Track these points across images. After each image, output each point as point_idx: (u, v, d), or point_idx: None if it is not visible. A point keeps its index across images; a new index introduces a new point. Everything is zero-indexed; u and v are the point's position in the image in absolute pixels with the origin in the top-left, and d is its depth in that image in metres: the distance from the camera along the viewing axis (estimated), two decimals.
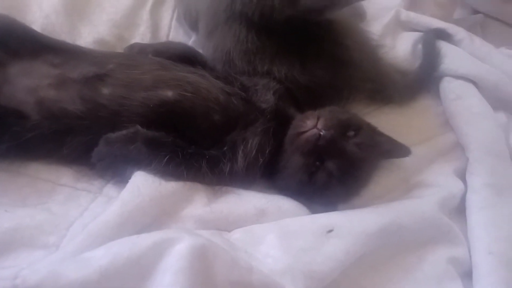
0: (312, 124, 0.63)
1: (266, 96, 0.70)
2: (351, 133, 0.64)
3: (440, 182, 0.74)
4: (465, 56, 0.90)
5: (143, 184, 0.58)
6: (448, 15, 0.99)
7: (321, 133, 0.61)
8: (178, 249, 0.49)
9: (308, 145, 0.62)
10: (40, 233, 0.56)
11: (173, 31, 0.86)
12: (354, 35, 0.79)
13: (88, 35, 0.79)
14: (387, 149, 0.70)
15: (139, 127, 0.61)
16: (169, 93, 0.65)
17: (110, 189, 0.64)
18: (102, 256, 0.48)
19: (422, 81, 0.89)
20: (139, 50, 0.77)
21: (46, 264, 0.49)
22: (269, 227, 0.61)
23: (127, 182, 0.61)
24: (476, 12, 1.10)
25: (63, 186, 0.63)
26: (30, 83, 0.64)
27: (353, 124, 0.65)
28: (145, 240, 0.50)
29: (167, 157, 0.60)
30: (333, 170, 0.62)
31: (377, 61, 0.83)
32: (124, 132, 0.61)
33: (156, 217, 0.58)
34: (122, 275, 0.47)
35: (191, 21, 0.84)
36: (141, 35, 0.83)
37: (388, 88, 0.84)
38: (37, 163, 0.64)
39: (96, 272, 0.46)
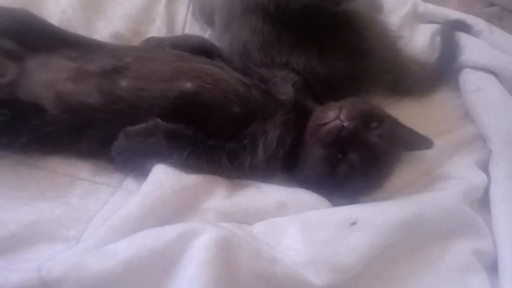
0: (334, 115, 0.62)
1: (285, 88, 0.69)
2: (374, 124, 0.63)
3: (462, 174, 0.73)
4: (485, 47, 0.89)
5: (164, 177, 0.57)
6: (469, 9, 0.97)
7: (344, 124, 0.60)
8: (202, 240, 0.49)
9: (330, 136, 0.61)
10: (60, 226, 0.56)
11: (189, 25, 0.86)
12: (373, 26, 0.78)
13: (104, 29, 0.79)
14: (409, 141, 0.69)
15: (158, 119, 0.61)
16: (189, 85, 0.64)
17: (129, 182, 0.63)
18: (126, 248, 0.47)
19: (441, 73, 0.88)
20: (156, 44, 0.77)
21: (69, 256, 0.48)
22: (290, 220, 0.60)
23: (147, 175, 0.60)
24: (492, 5, 1.08)
25: (82, 180, 0.62)
26: (48, 77, 0.63)
27: (375, 115, 0.64)
28: (169, 232, 0.49)
29: (187, 150, 0.59)
30: (355, 162, 0.61)
31: (396, 53, 0.82)
32: (143, 125, 0.60)
33: (177, 210, 0.57)
34: (146, 267, 0.47)
35: (206, 16, 0.84)
36: (156, 30, 0.82)
37: (407, 79, 0.83)
38: (56, 157, 0.63)
39: (120, 264, 0.46)
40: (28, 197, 0.59)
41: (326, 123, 0.62)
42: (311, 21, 0.71)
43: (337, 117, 0.61)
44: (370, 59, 0.75)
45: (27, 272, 0.45)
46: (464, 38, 0.89)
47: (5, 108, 0.59)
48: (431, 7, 0.96)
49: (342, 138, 0.61)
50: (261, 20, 0.71)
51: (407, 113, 0.81)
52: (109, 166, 0.64)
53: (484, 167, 0.76)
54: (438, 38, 0.91)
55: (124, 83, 0.63)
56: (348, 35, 0.74)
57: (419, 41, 0.92)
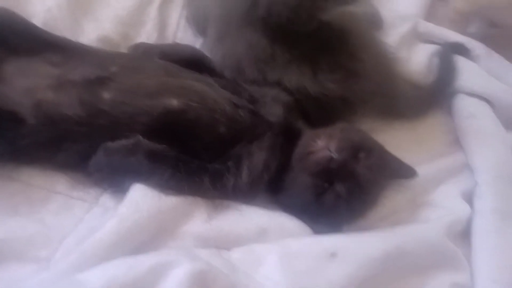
0: (323, 145, 0.60)
1: (274, 109, 0.67)
2: (362, 154, 0.62)
3: (447, 205, 0.72)
4: (481, 73, 0.87)
5: (142, 199, 0.56)
6: (460, 30, 0.96)
7: (333, 156, 0.59)
8: (176, 274, 0.48)
9: (318, 166, 0.60)
10: (31, 246, 0.54)
11: (181, 30, 0.83)
12: (369, 47, 0.76)
13: (92, 32, 0.76)
14: (394, 169, 0.68)
15: (140, 137, 0.59)
16: (174, 102, 0.62)
17: (106, 199, 0.61)
18: (97, 280, 0.46)
19: (435, 96, 0.86)
20: (144, 51, 0.74)
21: (39, 283, 0.46)
22: (270, 247, 0.59)
23: (124, 192, 0.58)
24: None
25: (57, 194, 0.60)
26: (27, 83, 0.61)
27: (365, 145, 0.63)
28: (142, 263, 0.48)
29: (168, 171, 0.57)
30: (341, 192, 0.60)
31: (391, 76, 0.80)
32: (124, 142, 0.58)
33: (153, 234, 0.56)
34: None
35: (199, 25, 0.81)
36: (147, 34, 0.79)
37: (400, 102, 0.81)
38: (31, 168, 0.61)
39: None
40: (1, 211, 0.57)
41: (314, 152, 0.61)
42: (308, 39, 0.69)
43: (326, 147, 0.60)
44: (364, 82, 0.73)
45: None
46: (461, 62, 0.88)
47: None
48: (431, 27, 0.94)
49: (330, 169, 0.60)
50: (258, 35, 0.69)
51: (398, 136, 0.81)
52: (86, 180, 0.61)
53: (470, 197, 0.75)
54: (436, 60, 0.90)
55: (107, 95, 0.61)
56: (343, 55, 0.72)
57: (416, 61, 0.90)
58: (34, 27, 0.68)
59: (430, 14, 1.01)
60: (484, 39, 1.00)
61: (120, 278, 0.46)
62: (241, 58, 0.70)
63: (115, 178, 0.59)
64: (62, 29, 0.73)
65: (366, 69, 0.73)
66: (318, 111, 0.72)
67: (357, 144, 0.62)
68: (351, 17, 0.83)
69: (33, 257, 0.53)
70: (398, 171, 0.69)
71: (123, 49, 0.76)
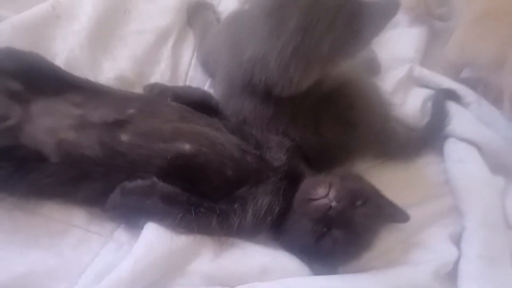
0: (323, 193, 0.65)
1: (278, 154, 0.72)
2: (359, 202, 0.67)
3: (436, 247, 0.77)
4: (472, 119, 0.93)
5: (155, 240, 0.60)
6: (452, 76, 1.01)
7: (332, 205, 0.64)
8: None
9: (318, 213, 0.64)
10: (51, 279, 0.58)
11: (192, 70, 0.88)
12: (367, 97, 0.81)
13: (110, 70, 0.80)
14: (388, 214, 0.73)
15: (155, 179, 0.63)
16: (187, 147, 0.67)
17: (121, 233, 0.66)
18: None
19: (428, 139, 0.92)
20: (159, 92, 0.79)
21: None
22: (271, 286, 0.64)
23: (138, 228, 0.63)
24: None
25: (75, 228, 0.65)
26: (51, 123, 0.65)
27: (362, 194, 0.68)
28: None
29: (180, 214, 0.62)
30: (338, 237, 0.65)
31: (387, 122, 0.85)
32: (140, 183, 0.63)
33: (165, 272, 0.60)
34: None
35: (208, 68, 0.85)
36: (161, 72, 0.84)
37: (395, 146, 0.86)
38: (52, 202, 0.65)
39: None
40: (22, 243, 0.61)
41: (315, 199, 0.65)
42: (310, 95, 0.73)
43: (326, 196, 0.65)
44: (361, 131, 0.78)
45: None
46: (454, 108, 0.93)
47: (7, 160, 0.60)
48: (426, 73, 0.99)
49: (329, 216, 0.64)
50: (261, 99, 0.73)
51: (391, 177, 0.86)
52: (103, 215, 0.66)
53: (458, 240, 0.79)
54: (429, 104, 0.95)
55: (125, 138, 0.65)
56: (342, 106, 0.76)
57: (411, 105, 0.95)
58: (59, 69, 0.73)
59: (426, 58, 1.08)
60: (477, 83, 1.06)
61: None
62: (246, 116, 0.74)
63: (130, 216, 0.64)
64: (82, 67, 0.77)
65: (363, 119, 0.78)
66: (318, 157, 0.76)
67: (355, 193, 0.67)
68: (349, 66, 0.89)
69: None
70: (393, 216, 0.73)
71: (139, 87, 0.81)
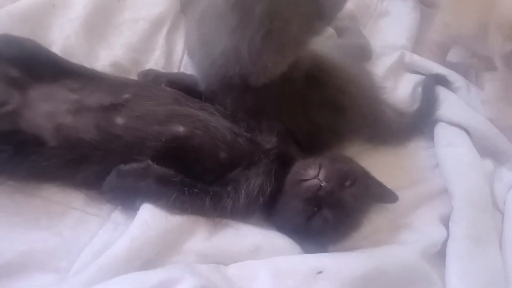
0: (314, 174, 0.67)
1: (269, 137, 0.74)
2: (348, 182, 0.69)
3: (424, 228, 0.79)
4: (461, 104, 0.95)
5: (151, 219, 0.63)
6: (440, 60, 1.04)
7: (322, 184, 0.66)
8: None
9: (309, 193, 0.67)
10: (52, 257, 0.61)
11: (186, 57, 0.89)
12: (357, 80, 0.83)
13: (105, 58, 0.82)
14: (377, 194, 0.75)
15: (150, 162, 0.65)
16: (181, 129, 0.69)
17: (117, 215, 0.68)
18: None
19: (418, 124, 0.94)
20: (153, 78, 0.81)
21: None
22: (263, 264, 0.66)
23: (134, 209, 0.65)
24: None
25: (74, 210, 0.67)
26: (49, 108, 0.67)
27: (351, 174, 0.70)
28: (152, 278, 0.55)
29: (174, 195, 0.64)
30: (328, 217, 0.67)
31: (377, 106, 0.87)
32: (135, 165, 0.65)
33: (160, 251, 0.63)
34: None
35: (193, 60, 0.86)
36: (155, 60, 0.85)
37: (385, 131, 0.89)
38: (51, 185, 0.67)
39: None
40: (23, 224, 0.63)
41: (305, 180, 0.68)
42: (290, 79, 0.73)
43: (316, 176, 0.67)
44: (351, 114, 0.79)
45: None
46: (443, 93, 0.95)
47: (7, 143, 0.62)
48: (417, 58, 1.01)
49: (319, 196, 0.66)
50: (239, 90, 0.73)
51: (382, 160, 0.89)
52: (100, 197, 0.68)
53: (446, 220, 0.82)
54: (420, 90, 0.97)
55: (120, 121, 0.68)
56: (332, 90, 0.78)
57: (402, 91, 0.97)
58: (56, 56, 0.75)
59: (417, 44, 1.09)
60: (468, 69, 1.09)
61: None
62: (233, 109, 0.75)
63: (126, 198, 0.66)
64: (78, 55, 0.79)
65: (353, 103, 0.79)
66: (308, 140, 0.78)
67: (344, 174, 0.69)
68: (339, 49, 0.90)
69: (54, 267, 0.60)
70: (381, 196, 0.75)
71: (134, 75, 0.83)
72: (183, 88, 0.78)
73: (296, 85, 0.75)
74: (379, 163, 0.86)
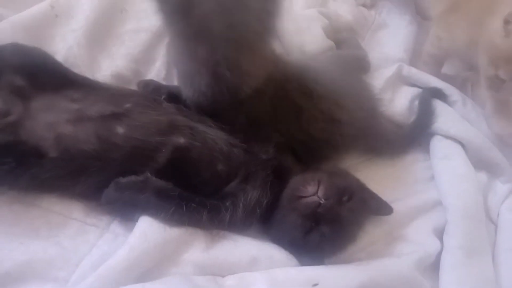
0: (313, 191, 0.68)
1: (266, 148, 0.75)
2: (346, 198, 0.70)
3: (419, 239, 0.80)
4: (457, 117, 0.96)
5: (149, 230, 0.63)
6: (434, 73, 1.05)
7: (321, 202, 0.67)
8: None
9: (308, 210, 0.67)
10: (51, 267, 0.62)
11: None
12: (355, 94, 0.84)
13: (107, 68, 0.83)
14: (371, 206, 0.76)
15: (149, 175, 0.66)
16: (181, 140, 0.70)
17: (117, 226, 0.69)
18: None
19: (414, 136, 0.95)
20: (153, 89, 0.82)
21: None
22: (260, 276, 0.66)
23: (133, 220, 0.66)
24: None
25: (73, 220, 0.68)
26: (50, 118, 0.68)
27: (348, 189, 0.71)
28: None
29: (172, 209, 0.65)
30: (326, 232, 0.68)
31: (375, 119, 0.88)
32: (134, 178, 0.65)
33: (158, 261, 0.63)
34: None
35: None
36: (156, 71, 0.87)
37: (382, 143, 0.90)
38: (51, 196, 0.68)
39: None
40: (23, 234, 0.64)
41: (304, 197, 0.68)
42: (287, 92, 0.75)
43: (315, 193, 0.68)
44: (347, 128, 0.80)
45: None
46: (440, 106, 0.96)
47: (9, 156, 0.63)
48: (414, 71, 1.02)
49: (318, 213, 0.67)
50: (233, 108, 0.74)
51: (378, 172, 0.90)
52: (99, 208, 0.69)
53: (441, 232, 0.83)
54: (417, 102, 0.98)
55: (121, 130, 0.68)
56: (327, 103, 0.79)
57: (399, 103, 0.98)
58: (61, 66, 0.76)
59: (415, 57, 1.11)
60: (464, 82, 1.10)
61: None
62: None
63: (125, 210, 0.67)
64: (80, 65, 0.80)
65: (350, 116, 0.80)
66: (305, 152, 0.79)
67: (342, 189, 0.70)
68: (337, 61, 0.92)
69: (53, 277, 0.61)
70: (377, 209, 0.77)
71: (135, 85, 0.84)
72: (183, 101, 0.78)
73: (289, 97, 0.76)
74: (375, 175, 0.87)
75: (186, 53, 0.71)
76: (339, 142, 0.81)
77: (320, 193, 0.68)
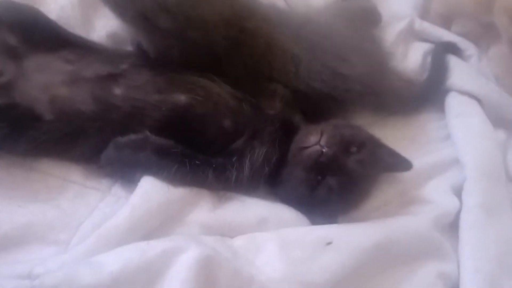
0: (315, 140, 0.64)
1: (274, 102, 0.71)
2: (354, 149, 0.66)
3: (436, 198, 0.76)
4: (472, 72, 0.91)
5: (152, 189, 0.60)
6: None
7: (323, 150, 0.63)
8: (185, 258, 0.53)
9: (310, 161, 0.64)
10: (51, 229, 0.59)
11: None
12: (360, 48, 0.79)
13: (102, 28, 0.79)
14: (388, 163, 0.72)
15: (148, 133, 0.63)
16: (182, 97, 0.66)
17: (118, 188, 0.66)
18: (114, 262, 0.51)
19: (428, 94, 0.90)
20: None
21: (60, 264, 0.52)
22: (269, 236, 0.64)
23: (135, 182, 0.63)
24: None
25: (73, 183, 0.65)
26: (44, 79, 0.65)
27: (356, 140, 0.67)
28: (154, 247, 0.53)
29: (175, 167, 0.61)
30: (333, 185, 0.64)
31: (383, 75, 0.83)
32: (133, 137, 0.62)
33: (163, 221, 0.61)
34: (132, 281, 0.51)
35: None
36: None
37: (393, 101, 0.85)
38: (49, 159, 0.66)
39: (108, 278, 0.50)
40: (21, 197, 0.62)
41: (306, 147, 0.65)
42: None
43: (317, 142, 0.64)
44: (351, 83, 0.76)
45: (20, 282, 0.48)
46: (454, 61, 0.91)
47: (3, 120, 0.60)
48: (426, 25, 0.97)
49: (321, 163, 0.64)
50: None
51: (391, 132, 0.85)
52: (99, 171, 0.66)
53: (459, 191, 0.79)
54: (429, 58, 0.93)
55: (118, 91, 0.65)
56: (330, 57, 0.74)
57: (411, 59, 0.93)
58: (55, 24, 0.72)
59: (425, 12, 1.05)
60: (478, 39, 1.04)
61: (134, 260, 0.51)
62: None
63: (125, 171, 0.64)
64: (74, 26, 0.76)
65: (354, 72, 0.75)
66: (311, 108, 0.75)
67: (348, 139, 0.66)
68: (343, 13, 0.87)
69: (54, 240, 0.59)
70: (393, 165, 0.72)
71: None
72: None
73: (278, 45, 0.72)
74: (388, 135, 0.81)
75: None
76: (344, 98, 0.76)
77: (322, 142, 0.64)
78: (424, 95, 0.90)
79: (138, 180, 0.63)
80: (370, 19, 0.93)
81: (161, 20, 0.64)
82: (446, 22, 1.00)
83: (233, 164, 0.65)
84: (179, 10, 0.64)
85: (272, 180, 0.70)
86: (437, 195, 0.77)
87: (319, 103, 0.75)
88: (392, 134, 0.84)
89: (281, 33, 0.73)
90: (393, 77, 0.86)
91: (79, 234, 0.59)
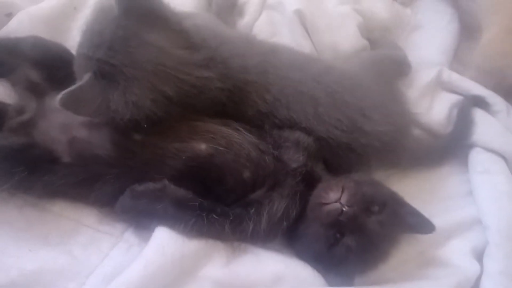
0: (335, 197, 0.62)
1: (297, 155, 0.69)
2: (375, 208, 0.64)
3: (457, 262, 0.73)
4: (500, 129, 0.88)
5: (167, 243, 0.59)
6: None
7: (344, 209, 0.61)
8: None
9: (329, 218, 0.62)
10: (60, 278, 0.58)
11: None
12: (383, 105, 0.77)
13: None
14: (410, 224, 0.69)
15: (167, 182, 0.61)
16: (203, 146, 0.65)
17: (131, 235, 0.65)
18: None
19: (451, 147, 0.88)
20: None
21: None
22: None
23: (148, 230, 0.61)
24: None
25: (86, 227, 0.64)
26: (63, 119, 0.64)
27: (378, 199, 0.65)
28: None
29: (192, 221, 0.60)
30: (352, 245, 0.62)
31: (403, 134, 0.80)
32: (151, 186, 0.61)
33: (176, 277, 0.59)
34: None
35: None
36: None
37: (416, 155, 0.83)
38: (63, 201, 0.64)
39: None
40: (32, 240, 0.60)
41: (326, 203, 0.63)
42: None
43: (338, 200, 0.62)
44: (370, 139, 0.74)
45: None
46: (481, 116, 0.89)
47: (21, 164, 0.59)
48: (455, 77, 0.94)
49: (340, 222, 0.62)
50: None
51: (412, 185, 0.83)
52: (113, 215, 0.64)
53: (480, 254, 0.76)
54: (456, 111, 0.91)
55: (138, 136, 0.64)
56: (351, 109, 0.73)
57: (437, 111, 0.91)
58: None
59: (455, 60, 1.03)
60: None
61: None
62: None
63: (140, 219, 0.62)
64: None
65: (374, 129, 0.74)
66: (332, 157, 0.73)
67: (370, 198, 0.64)
68: (372, 64, 0.85)
69: None
70: (415, 226, 0.70)
71: None
72: None
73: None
74: (408, 189, 0.79)
75: None
76: (363, 151, 0.74)
77: (343, 200, 0.62)
78: (447, 149, 0.88)
79: (152, 228, 0.61)
80: (399, 70, 0.91)
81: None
82: (487, 80, 0.96)
83: (250, 216, 0.63)
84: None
85: (289, 232, 0.68)
86: (457, 258, 0.75)
87: (339, 152, 0.74)
88: (411, 187, 0.82)
89: (299, 78, 0.73)
90: (413, 137, 0.84)
91: (88, 284, 0.58)
